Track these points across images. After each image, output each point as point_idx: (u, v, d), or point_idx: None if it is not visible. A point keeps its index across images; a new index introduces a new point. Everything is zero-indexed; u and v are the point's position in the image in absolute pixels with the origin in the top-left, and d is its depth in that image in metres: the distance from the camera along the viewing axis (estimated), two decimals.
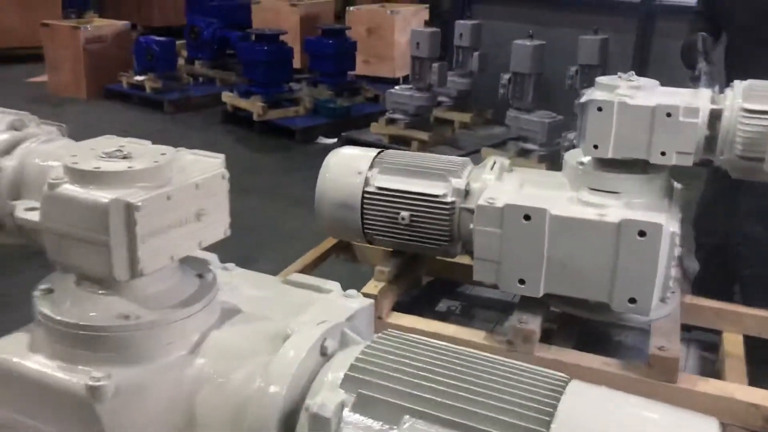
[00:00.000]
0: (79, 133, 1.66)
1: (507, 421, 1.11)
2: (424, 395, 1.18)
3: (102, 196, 1.24)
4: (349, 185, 2.62)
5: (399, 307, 2.73)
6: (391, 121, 6.01)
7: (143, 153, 1.38)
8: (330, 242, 3.11)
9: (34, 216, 1.34)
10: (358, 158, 2.69)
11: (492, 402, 1.15)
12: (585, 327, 2.75)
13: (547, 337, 2.49)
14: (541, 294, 2.30)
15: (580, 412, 1.12)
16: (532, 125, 5.03)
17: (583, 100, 2.30)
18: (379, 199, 2.59)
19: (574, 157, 2.42)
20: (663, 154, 2.20)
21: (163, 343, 1.33)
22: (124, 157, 1.34)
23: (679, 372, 2.20)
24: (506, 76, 5.40)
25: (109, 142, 1.47)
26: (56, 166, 1.37)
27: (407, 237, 2.59)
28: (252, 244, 4.21)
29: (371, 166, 2.65)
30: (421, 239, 2.57)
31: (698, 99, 2.21)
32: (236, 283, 1.61)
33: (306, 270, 2.95)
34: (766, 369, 2.66)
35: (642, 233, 2.10)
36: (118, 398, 1.26)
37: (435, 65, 5.90)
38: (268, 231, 4.49)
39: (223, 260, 1.65)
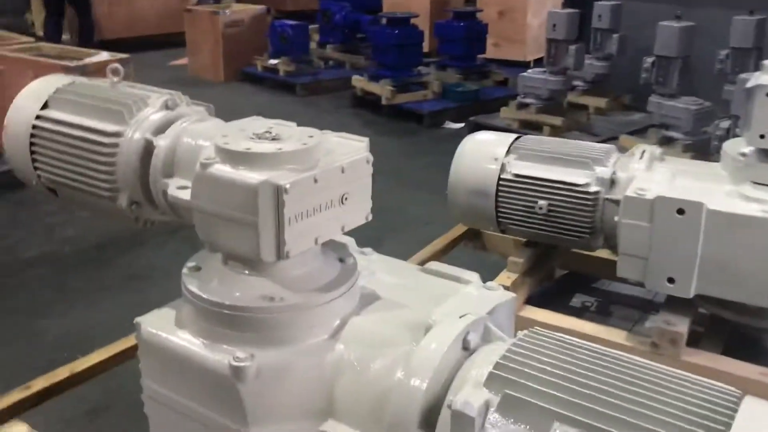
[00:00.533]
0: (218, 114, 1.69)
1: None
2: (577, 401, 1.09)
3: (252, 177, 1.24)
4: (484, 171, 2.54)
5: (530, 301, 2.63)
6: (523, 106, 5.83)
7: (291, 135, 1.37)
8: (459, 229, 3.04)
9: (186, 195, 1.36)
10: (495, 143, 2.60)
11: (655, 414, 1.05)
12: (736, 331, 2.53)
13: (693, 341, 2.31)
14: (692, 295, 2.13)
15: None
16: (676, 112, 4.71)
17: (749, 85, 2.09)
18: (516, 186, 2.49)
19: (735, 147, 2.21)
20: None
21: (306, 327, 1.32)
22: (274, 139, 1.34)
23: None
24: (650, 60, 5.08)
25: (257, 123, 1.47)
26: (208, 146, 1.38)
27: (544, 227, 2.48)
28: (378, 228, 4.20)
29: (508, 152, 2.55)
30: (559, 230, 2.45)
31: None
32: (374, 269, 1.58)
33: (434, 257, 2.90)
34: None
35: None
36: (259, 379, 1.26)
37: (572, 48, 5.65)
38: (393, 215, 4.47)
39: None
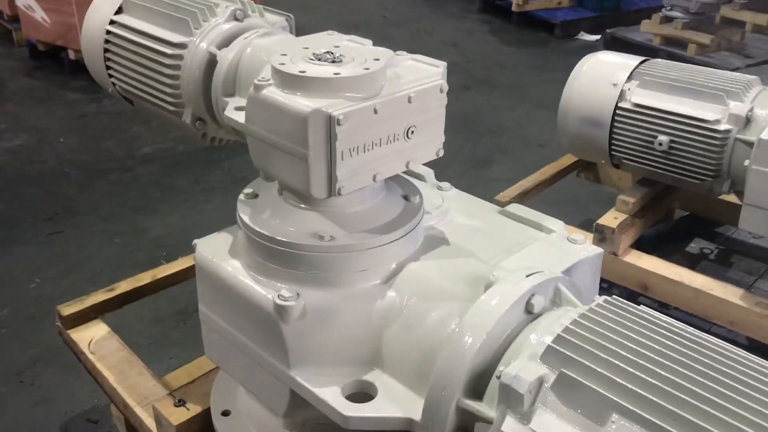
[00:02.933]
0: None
1: None
2: (644, 393, 0.94)
3: (304, 104, 1.12)
4: (600, 98, 2.29)
5: (643, 243, 2.40)
6: (667, 20, 5.25)
7: (355, 57, 1.22)
8: (572, 157, 2.81)
9: (241, 117, 1.26)
10: (616, 66, 2.32)
11: (739, 424, 0.87)
12: None
13: None
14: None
15: None
16: None
17: None
18: (635, 117, 2.23)
19: None
20: None
21: (357, 270, 1.22)
22: (334, 61, 1.20)
23: None
24: None
25: (326, 40, 1.34)
26: (267, 64, 1.27)
27: (663, 166, 2.22)
28: (490, 146, 4.01)
29: (630, 78, 2.27)
30: (679, 170, 2.19)
31: None
32: (447, 207, 1.44)
33: (542, 186, 2.70)
34: None
35: None
36: (303, 320, 1.19)
37: None
38: (509, 133, 4.24)
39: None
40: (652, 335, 1.03)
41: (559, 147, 2.69)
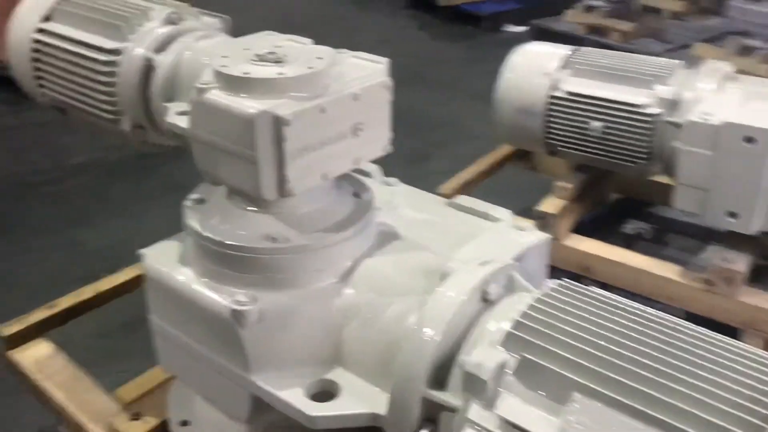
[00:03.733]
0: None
1: (718, 424, 0.88)
2: (601, 370, 0.97)
3: (250, 106, 1.11)
4: (533, 87, 2.33)
5: (582, 228, 2.47)
6: (590, 9, 5.40)
7: (298, 56, 1.22)
8: (508, 148, 2.86)
9: (184, 122, 1.24)
10: (548, 56, 2.38)
11: (696, 394, 0.91)
12: None
13: (754, 279, 2.13)
14: (755, 231, 1.94)
15: None
16: (760, 18, 4.28)
17: None
18: (568, 105, 2.28)
19: None
20: None
21: (312, 270, 1.22)
22: (277, 61, 1.19)
23: None
24: None
25: (266, 41, 1.32)
26: (208, 67, 1.25)
27: (597, 151, 2.28)
28: (427, 140, 4.05)
29: (561, 66, 2.33)
30: (613, 155, 2.25)
31: None
32: (397, 203, 1.46)
33: (481, 177, 2.74)
34: None
35: None
36: (262, 324, 1.18)
37: None
38: (446, 127, 4.29)
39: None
40: (606, 315, 1.06)
41: (495, 138, 2.74)
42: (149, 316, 1.37)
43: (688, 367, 0.95)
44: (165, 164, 3.66)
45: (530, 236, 1.35)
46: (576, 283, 1.15)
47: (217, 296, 1.20)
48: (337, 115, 1.18)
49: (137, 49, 1.36)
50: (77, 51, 1.41)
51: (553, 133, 2.34)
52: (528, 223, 1.39)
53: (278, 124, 1.10)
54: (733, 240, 2.08)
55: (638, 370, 0.96)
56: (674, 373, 0.94)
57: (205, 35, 1.38)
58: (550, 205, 2.34)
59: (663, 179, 2.51)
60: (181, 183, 3.40)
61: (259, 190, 1.15)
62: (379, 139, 1.29)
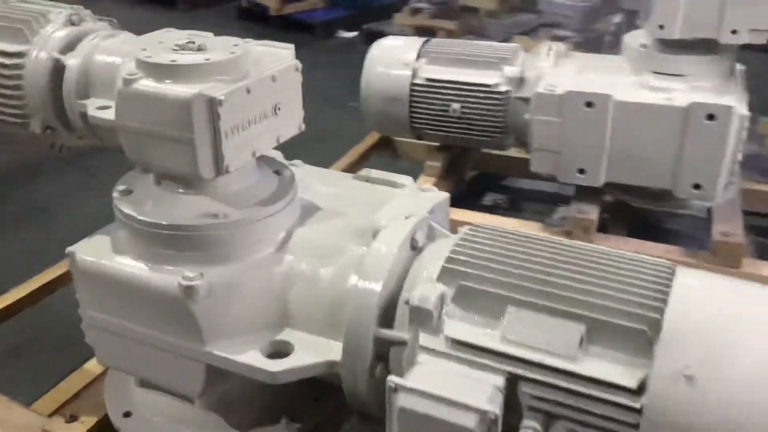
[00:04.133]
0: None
1: (618, 309, 1.09)
2: (527, 285, 1.15)
3: (183, 90, 1.18)
4: (396, 77, 2.53)
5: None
6: (416, 11, 5.77)
7: (215, 45, 1.31)
8: (371, 139, 3.05)
9: (109, 114, 1.28)
10: (405, 48, 2.58)
11: (600, 290, 1.12)
12: (637, 217, 2.72)
13: (601, 228, 2.46)
14: (601, 183, 2.25)
15: (695, 300, 1.09)
16: (566, 10, 4.82)
17: None
18: (428, 91, 2.50)
19: (636, 39, 2.30)
20: (734, 32, 2.08)
21: (252, 242, 1.31)
22: (199, 49, 1.27)
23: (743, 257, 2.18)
24: None
25: (173, 35, 1.39)
26: (127, 61, 1.30)
27: (458, 130, 2.52)
28: (286, 145, 4.13)
29: (418, 57, 2.54)
30: (472, 132, 2.50)
31: None
32: (308, 181, 1.57)
33: (348, 169, 2.90)
34: None
35: (711, 116, 2.02)
36: (211, 297, 1.25)
37: None
38: (306, 132, 4.39)
39: None
40: (520, 243, 1.25)
41: (351, 135, 2.91)
42: (84, 312, 1.39)
43: (594, 273, 1.16)
44: (18, 189, 3.46)
45: (434, 195, 1.52)
46: (485, 225, 1.33)
47: (164, 276, 1.26)
48: (260, 95, 1.28)
49: (43, 51, 1.37)
50: None
51: (417, 118, 2.55)
52: (430, 185, 1.56)
53: (213, 104, 1.19)
54: (584, 195, 2.40)
55: (555, 281, 1.15)
56: (584, 278, 1.15)
57: (110, 34, 1.42)
58: (422, 182, 2.55)
59: (513, 153, 2.81)
60: (37, 207, 3.28)
61: (198, 169, 1.22)
62: (294, 117, 1.40)
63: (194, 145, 1.20)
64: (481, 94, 2.43)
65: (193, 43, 1.29)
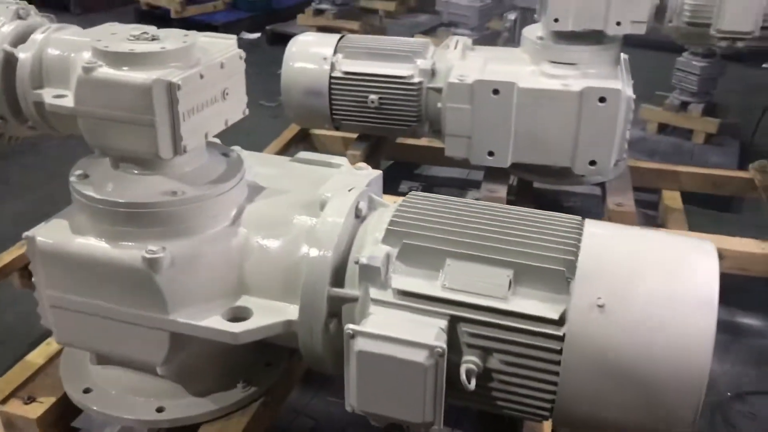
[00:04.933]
0: None
1: (539, 255, 1.28)
2: (462, 240, 1.33)
3: (142, 77, 1.28)
4: (315, 72, 2.67)
5: None
6: (319, 12, 5.91)
7: (167, 35, 1.40)
8: (290, 133, 3.17)
9: (67, 102, 1.36)
10: (322, 44, 2.72)
11: (524, 240, 1.31)
12: (539, 198, 2.98)
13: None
14: (509, 164, 2.47)
15: (600, 248, 1.29)
16: (462, 9, 5.09)
17: None
18: (347, 83, 2.65)
19: (533, 32, 2.54)
20: (618, 24, 2.35)
21: (208, 216, 1.41)
22: (153, 39, 1.37)
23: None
24: None
25: (120, 27, 1.47)
26: (83, 51, 1.37)
27: (376, 120, 2.68)
28: None
29: (335, 52, 2.69)
30: (390, 121, 2.67)
31: None
32: (249, 163, 1.68)
33: None
34: (702, 217, 2.99)
35: (602, 99, 2.27)
36: (173, 268, 1.35)
37: None
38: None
39: None
40: (453, 206, 1.42)
41: (272, 130, 3.02)
42: (42, 293, 1.45)
43: (518, 227, 1.35)
44: None
45: (369, 172, 1.67)
46: (421, 193, 1.50)
47: (127, 252, 1.35)
48: (211, 80, 1.39)
49: None
50: None
51: (337, 109, 2.69)
52: (364, 164, 1.71)
53: (171, 89, 1.29)
54: (493, 176, 2.61)
55: (486, 235, 1.33)
56: (509, 232, 1.33)
57: (59, 27, 1.48)
58: None
59: (424, 143, 3.01)
60: None
61: (158, 150, 1.32)
62: (239, 102, 1.52)
63: (155, 127, 1.30)
64: (397, 85, 2.60)
65: (147, 33, 1.38)
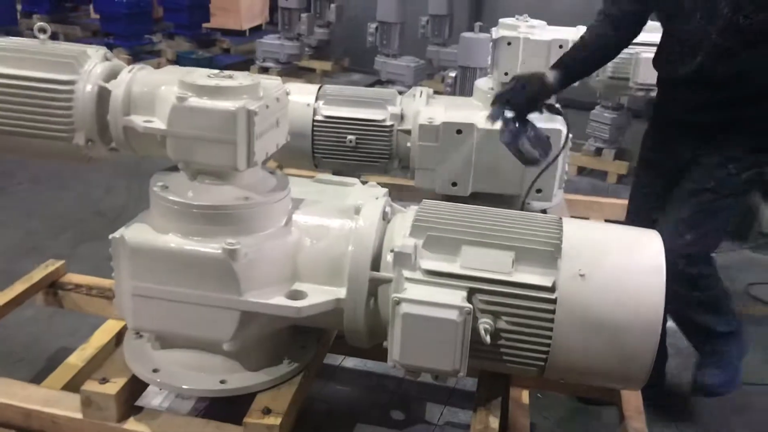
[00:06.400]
0: None
1: (534, 240, 1.70)
2: (473, 230, 1.73)
3: (228, 105, 1.64)
4: (301, 116, 3.05)
5: None
6: (264, 70, 6.31)
7: (236, 75, 1.77)
8: None
9: (158, 125, 1.69)
10: (305, 93, 3.12)
11: (521, 231, 1.73)
12: None
13: None
14: (469, 192, 2.91)
15: (577, 235, 1.73)
16: (399, 69, 5.62)
17: (495, 37, 2.91)
18: (328, 126, 3.04)
19: (485, 84, 3.03)
20: None
21: (270, 218, 1.76)
22: (228, 77, 1.73)
23: None
24: (373, 26, 5.92)
25: (182, 69, 1.83)
26: (165, 85, 1.72)
27: (353, 157, 3.08)
28: None
29: (316, 99, 3.09)
30: (365, 158, 3.07)
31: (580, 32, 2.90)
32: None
33: None
34: None
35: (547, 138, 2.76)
36: (246, 258, 1.68)
37: (304, 16, 6.28)
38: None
39: None
40: (461, 208, 1.83)
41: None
42: (124, 285, 1.74)
43: (515, 222, 1.77)
44: None
45: (379, 189, 2.05)
46: (433, 200, 1.90)
47: (209, 245, 1.67)
48: (272, 110, 1.76)
49: (89, 79, 1.74)
50: (28, 85, 1.70)
51: (318, 149, 3.07)
52: (373, 183, 2.10)
53: (250, 115, 1.65)
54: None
55: (491, 227, 1.74)
56: (510, 225, 1.75)
57: (141, 68, 1.81)
58: None
59: (385, 179, 3.42)
60: None
61: (236, 163, 1.67)
62: (285, 130, 1.89)
63: (236, 145, 1.65)
64: (372, 128, 3.01)
65: (222, 73, 1.74)
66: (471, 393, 2.33)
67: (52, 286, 2.44)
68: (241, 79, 1.73)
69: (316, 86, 3.15)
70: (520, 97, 2.31)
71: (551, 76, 2.34)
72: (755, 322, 3.12)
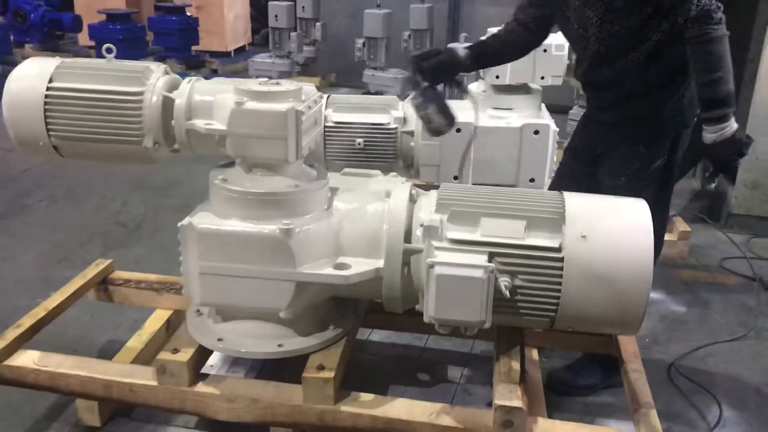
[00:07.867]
0: None
1: (542, 209, 2.01)
2: (490, 205, 2.04)
3: (280, 107, 1.94)
4: None
5: None
6: None
7: (282, 82, 2.07)
8: None
9: (220, 126, 1.98)
10: None
11: (531, 203, 2.04)
12: None
13: None
14: (470, 184, 3.23)
15: (577, 205, 2.05)
16: (388, 81, 5.94)
17: None
18: (338, 130, 3.35)
19: (478, 87, 3.37)
20: (542, 78, 3.21)
21: (315, 202, 2.06)
22: (276, 84, 2.03)
23: None
24: (360, 41, 6.25)
25: (228, 79, 2.12)
26: (222, 93, 2.01)
27: (361, 158, 3.38)
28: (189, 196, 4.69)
29: (326, 107, 3.39)
30: (372, 159, 3.37)
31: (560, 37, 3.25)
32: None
33: None
34: None
35: (536, 132, 3.10)
36: (298, 236, 1.97)
37: (293, 34, 6.59)
38: (184, 186, 4.91)
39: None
40: (476, 188, 2.14)
41: None
42: (192, 265, 2.02)
43: (525, 196, 2.08)
44: None
45: (399, 177, 2.36)
46: (452, 182, 2.21)
47: (267, 226, 1.96)
48: (312, 111, 2.07)
49: (155, 91, 2.03)
50: (102, 97, 1.98)
51: (330, 152, 3.36)
52: (394, 173, 2.41)
53: (298, 114, 1.95)
54: None
55: (506, 201, 2.05)
56: (520, 199, 2.06)
57: (197, 79, 2.11)
58: None
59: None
60: None
61: (287, 156, 1.96)
62: (321, 128, 2.19)
63: (287, 140, 1.95)
64: (378, 131, 3.32)
65: (270, 80, 2.04)
66: (487, 357, 2.64)
67: (103, 282, 2.70)
68: (287, 85, 2.03)
69: (324, 95, 3.45)
70: (432, 62, 2.54)
71: (463, 53, 2.57)
72: (729, 290, 3.47)
